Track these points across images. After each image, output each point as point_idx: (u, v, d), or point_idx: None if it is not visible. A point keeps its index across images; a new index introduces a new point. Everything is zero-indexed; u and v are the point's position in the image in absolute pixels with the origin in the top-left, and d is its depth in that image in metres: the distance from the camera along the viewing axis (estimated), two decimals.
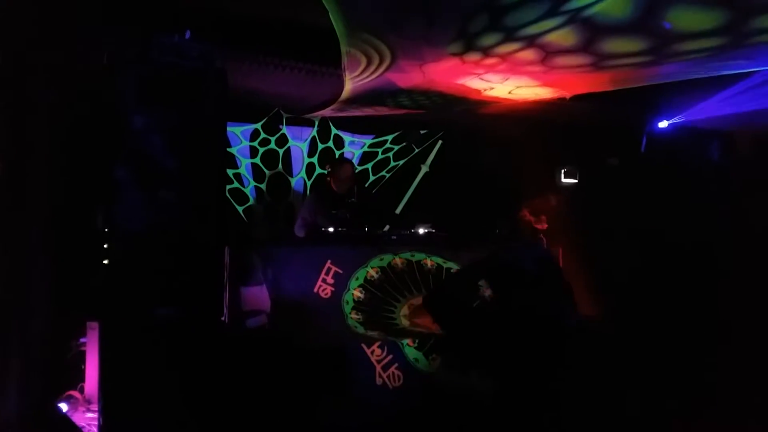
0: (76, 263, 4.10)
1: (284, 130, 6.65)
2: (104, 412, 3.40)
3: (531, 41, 3.50)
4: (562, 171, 6.70)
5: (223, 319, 3.93)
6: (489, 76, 4.21)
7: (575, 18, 3.19)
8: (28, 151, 3.28)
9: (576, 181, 6.45)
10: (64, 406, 4.13)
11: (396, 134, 7.08)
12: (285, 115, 6.54)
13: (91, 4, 3.17)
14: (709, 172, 4.99)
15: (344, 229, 4.92)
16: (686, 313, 4.94)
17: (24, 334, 3.45)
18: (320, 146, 6.85)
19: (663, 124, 5.29)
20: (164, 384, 3.41)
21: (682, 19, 3.15)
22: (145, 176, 3.35)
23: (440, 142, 7.24)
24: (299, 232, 5.37)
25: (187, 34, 3.23)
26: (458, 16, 3.02)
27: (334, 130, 6.86)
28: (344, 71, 3.99)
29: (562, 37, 3.43)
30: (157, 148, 3.30)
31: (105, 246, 3.65)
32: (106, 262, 3.63)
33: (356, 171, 5.72)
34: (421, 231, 5.38)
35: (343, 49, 3.50)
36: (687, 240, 5.14)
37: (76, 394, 4.30)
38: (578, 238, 5.71)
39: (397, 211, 7.11)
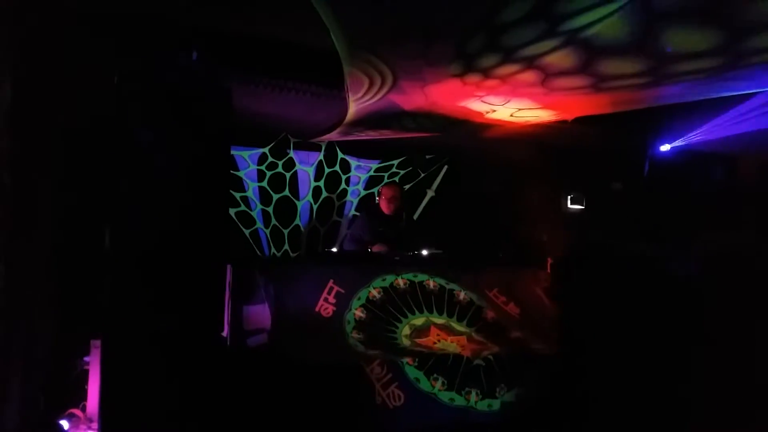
0: (80, 281, 4.14)
1: (291, 154, 6.74)
2: (104, 430, 3.40)
3: (530, 63, 3.56)
4: (568, 197, 6.73)
5: (224, 335, 3.93)
6: (490, 99, 4.27)
7: (572, 39, 3.24)
8: (33, 168, 3.35)
9: (582, 207, 6.48)
10: (65, 424, 4.13)
11: (402, 159, 7.15)
12: (292, 140, 6.64)
13: (98, 24, 3.27)
14: (711, 194, 4.98)
15: (392, 250, 5.08)
16: (688, 334, 4.89)
17: (26, 352, 3.47)
18: (327, 170, 6.93)
19: (665, 147, 5.31)
20: (164, 402, 3.41)
21: (678, 39, 3.20)
22: (148, 194, 3.40)
23: (446, 167, 7.29)
24: (348, 247, 5.54)
25: (194, 55, 3.31)
26: (456, 35, 3.08)
27: (340, 155, 6.95)
28: (347, 93, 4.05)
29: (561, 58, 3.48)
30: (161, 166, 3.34)
31: (109, 263, 3.68)
32: (109, 279, 3.66)
33: (404, 194, 5.86)
34: (425, 252, 5.41)
35: (345, 69, 3.57)
36: (689, 262, 5.11)
37: (77, 412, 4.30)
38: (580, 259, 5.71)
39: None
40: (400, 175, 7.19)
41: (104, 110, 3.30)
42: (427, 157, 7.20)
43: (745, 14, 2.93)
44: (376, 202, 5.71)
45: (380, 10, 2.72)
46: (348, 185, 7.04)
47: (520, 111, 4.57)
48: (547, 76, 3.76)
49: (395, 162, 7.16)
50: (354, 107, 4.42)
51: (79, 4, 3.13)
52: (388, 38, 3.02)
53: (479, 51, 3.32)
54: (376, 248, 5.29)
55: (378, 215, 5.63)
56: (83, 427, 4.22)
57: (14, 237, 3.20)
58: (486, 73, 3.72)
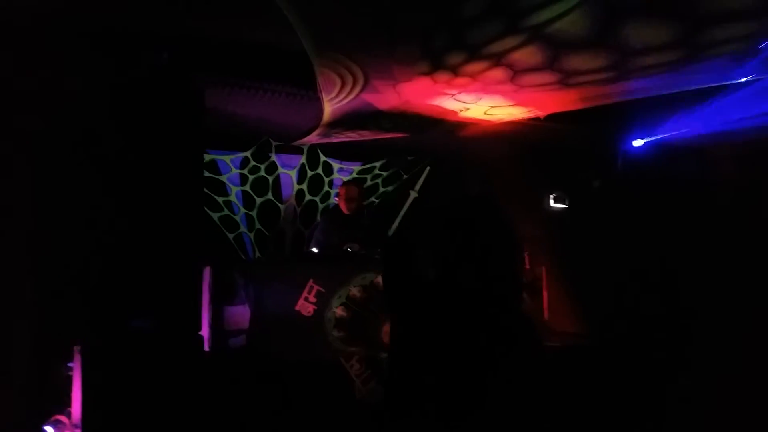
0: (60, 285, 4.17)
1: (273, 157, 6.78)
2: None
3: (497, 59, 3.61)
4: (551, 196, 6.79)
5: (200, 335, 3.98)
6: (462, 96, 4.33)
7: (536, 35, 3.31)
8: (10, 173, 3.39)
9: (566, 206, 6.54)
10: (50, 430, 4.14)
11: (384, 161, 7.20)
12: (274, 143, 6.69)
13: (70, 27, 3.31)
14: (685, 189, 5.06)
15: (358, 249, 5.10)
16: (669, 329, 4.96)
17: (9, 358, 3.50)
18: (309, 173, 6.98)
19: (638, 142, 5.38)
20: (145, 404, 3.45)
21: (638, 32, 3.27)
22: (122, 198, 3.45)
23: (428, 167, 7.35)
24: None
25: (165, 57, 3.36)
26: (418, 33, 3.14)
27: (322, 158, 6.99)
28: (321, 92, 4.11)
29: (527, 54, 3.53)
30: (133, 168, 3.40)
31: (86, 267, 3.72)
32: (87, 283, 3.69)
33: (363, 193, 5.88)
34: None
35: (316, 69, 3.63)
36: (667, 258, 5.19)
37: (63, 418, 4.32)
38: (561, 257, 5.78)
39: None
40: (383, 177, 7.25)
41: (75, 112, 3.35)
42: (409, 158, 7.26)
43: (702, 5, 3.00)
44: (335, 201, 5.69)
45: (343, 9, 2.78)
46: (331, 188, 7.08)
47: (493, 108, 4.64)
48: (516, 72, 3.82)
49: (377, 164, 7.21)
50: (329, 107, 4.47)
51: (48, 8, 3.17)
52: (353, 37, 3.08)
53: (444, 49, 3.39)
54: (349, 246, 5.30)
55: (339, 216, 5.64)
56: None
57: None
58: (455, 70, 3.77)
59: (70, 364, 4.45)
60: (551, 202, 6.80)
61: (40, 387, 4.12)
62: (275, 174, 6.84)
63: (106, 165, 3.40)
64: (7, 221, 3.45)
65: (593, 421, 4.03)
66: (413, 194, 7.37)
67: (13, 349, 3.64)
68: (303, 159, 6.93)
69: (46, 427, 4.12)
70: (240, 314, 4.58)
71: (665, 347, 4.81)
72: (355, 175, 7.16)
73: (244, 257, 6.51)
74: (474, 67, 3.71)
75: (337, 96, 4.14)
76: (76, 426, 4.27)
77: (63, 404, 4.36)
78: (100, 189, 3.43)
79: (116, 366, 3.47)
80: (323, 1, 2.79)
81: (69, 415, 4.34)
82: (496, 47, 3.39)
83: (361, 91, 4.05)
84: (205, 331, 4.29)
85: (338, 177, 7.10)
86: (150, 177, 3.42)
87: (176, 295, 3.59)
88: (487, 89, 4.13)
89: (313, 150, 6.89)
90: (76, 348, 4.33)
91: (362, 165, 7.20)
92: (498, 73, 3.83)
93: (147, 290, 3.55)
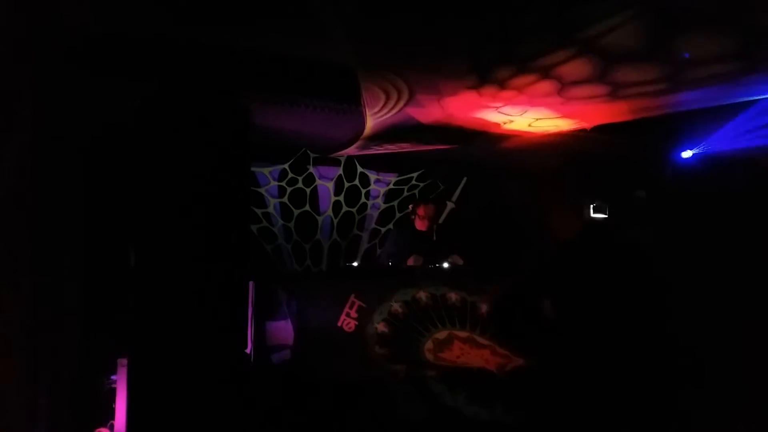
0: (107, 298, 4.20)
1: (311, 169, 6.79)
2: None
3: (546, 72, 3.56)
4: (591, 206, 6.67)
5: (248, 352, 3.96)
6: (507, 109, 4.27)
7: (588, 48, 3.24)
8: (61, 186, 3.42)
9: (606, 216, 6.41)
10: None
11: (421, 171, 7.15)
12: (312, 155, 6.69)
13: (115, 48, 3.34)
14: (734, 201, 4.90)
15: (429, 265, 5.16)
16: (720, 341, 4.81)
17: (53, 369, 3.53)
18: (346, 185, 6.96)
19: (687, 154, 5.25)
20: (191, 419, 3.44)
21: (694, 45, 3.18)
22: (171, 213, 3.46)
23: (465, 178, 7.28)
24: (384, 262, 5.65)
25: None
26: (468, 48, 3.09)
27: (359, 169, 6.97)
28: (364, 108, 4.09)
29: (577, 67, 3.48)
30: (183, 185, 3.40)
31: (133, 282, 3.73)
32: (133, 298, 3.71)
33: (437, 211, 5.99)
34: (446, 265, 5.40)
35: (362, 85, 3.60)
36: (714, 270, 5.04)
37: (105, 431, 4.35)
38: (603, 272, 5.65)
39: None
40: (420, 187, 7.19)
41: (127, 132, 3.37)
42: (446, 169, 7.19)
43: (760, 19, 2.91)
44: (411, 218, 5.79)
45: (392, 26, 2.74)
46: (368, 199, 7.06)
47: (538, 121, 4.57)
48: (564, 85, 3.76)
49: (414, 175, 7.16)
50: (371, 121, 4.45)
51: (96, 28, 3.20)
52: (402, 54, 3.05)
53: (493, 63, 3.34)
54: (410, 261, 5.32)
55: (411, 231, 5.73)
56: None
57: (40, 255, 3.27)
58: (502, 84, 3.73)
59: (113, 377, 4.49)
60: (591, 211, 6.69)
61: (84, 400, 4.16)
62: (313, 185, 6.84)
63: (154, 181, 3.41)
64: (55, 231, 3.47)
65: None
66: (450, 205, 7.31)
67: (62, 362, 3.66)
68: (340, 170, 6.92)
69: None
70: (282, 329, 4.55)
71: (709, 362, 4.67)
72: (392, 186, 7.13)
73: (283, 269, 6.50)
74: (522, 80, 3.66)
75: (380, 110, 4.12)
76: None
77: (105, 417, 4.41)
78: (149, 204, 3.44)
79: (162, 380, 3.46)
80: (376, 23, 2.75)
81: (111, 428, 4.38)
82: (547, 60, 3.33)
83: (405, 105, 4.02)
84: (249, 347, 4.28)
85: (375, 188, 7.07)
86: (199, 194, 3.41)
87: (224, 311, 3.57)
88: (533, 102, 4.07)
89: (350, 161, 6.87)
90: (120, 361, 4.37)
91: (399, 176, 7.16)
92: (546, 86, 3.78)
93: (194, 306, 3.53)
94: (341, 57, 3.23)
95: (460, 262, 5.39)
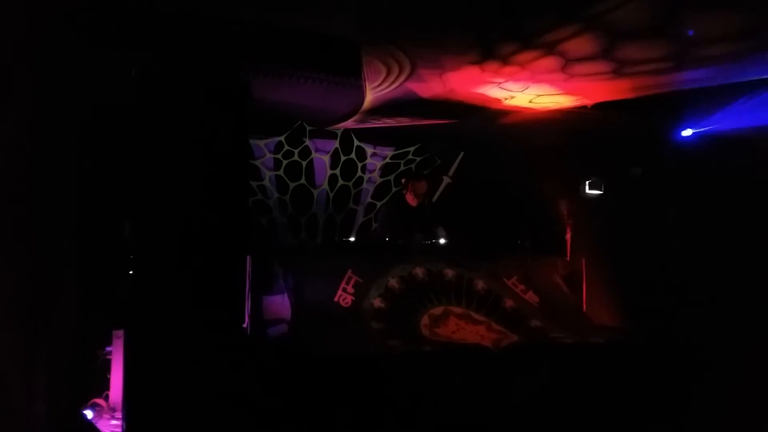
0: (101, 272, 4.18)
1: (307, 142, 6.72)
2: (128, 420, 3.44)
3: (550, 49, 3.51)
4: (587, 182, 6.66)
5: (245, 326, 3.96)
6: (509, 85, 4.22)
7: (593, 24, 3.19)
8: (56, 162, 3.36)
9: (601, 192, 6.40)
10: (89, 413, 4.18)
11: (418, 146, 7.10)
12: (308, 128, 6.61)
13: (114, 18, 3.26)
14: (733, 181, 4.90)
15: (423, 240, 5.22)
16: (713, 323, 4.84)
17: (50, 343, 3.51)
18: (342, 158, 6.90)
19: (687, 132, 5.23)
20: (187, 391, 3.44)
21: (703, 23, 3.14)
22: (169, 187, 3.41)
23: (462, 152, 7.24)
24: (380, 237, 5.65)
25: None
26: (474, 23, 3.03)
27: (356, 142, 6.90)
28: (365, 81, 4.03)
29: (581, 44, 3.43)
30: (181, 159, 3.35)
31: (130, 255, 3.71)
32: (130, 271, 3.69)
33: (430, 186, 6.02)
34: (441, 241, 5.40)
35: (363, 58, 3.54)
36: (712, 250, 5.05)
37: (101, 401, 4.36)
38: (602, 248, 5.67)
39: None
40: (417, 162, 7.14)
41: (123, 104, 3.30)
42: (443, 144, 7.14)
43: None
44: (403, 193, 5.77)
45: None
46: (364, 173, 7.01)
47: (540, 97, 4.53)
48: (568, 61, 3.71)
49: (411, 149, 7.10)
50: (371, 95, 4.39)
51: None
52: (406, 28, 2.99)
53: (498, 38, 3.28)
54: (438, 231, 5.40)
55: (403, 206, 5.72)
56: (107, 416, 4.27)
57: (35, 230, 3.23)
58: (505, 59, 3.68)
59: (108, 349, 4.49)
60: (586, 188, 6.68)
61: (80, 372, 4.16)
62: (309, 158, 6.77)
63: (151, 154, 3.35)
64: (51, 207, 3.43)
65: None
66: (446, 180, 7.27)
67: (54, 334, 3.64)
68: (337, 144, 6.85)
69: (84, 411, 4.16)
70: (278, 303, 4.55)
71: (704, 342, 4.70)
72: (388, 160, 7.08)
73: (278, 243, 6.47)
74: (525, 56, 3.61)
75: (381, 84, 4.06)
76: (113, 409, 4.32)
77: (100, 388, 4.42)
78: (145, 176, 3.39)
79: (158, 352, 3.45)
80: None
81: (107, 398, 4.39)
82: (552, 36, 3.28)
83: (406, 79, 3.96)
84: (246, 321, 4.27)
85: (371, 162, 7.02)
86: (197, 167, 3.36)
87: (222, 285, 3.55)
88: (536, 78, 4.03)
89: (346, 135, 6.80)
90: (115, 332, 4.36)
91: (395, 150, 7.11)
92: (549, 62, 3.73)
93: (192, 279, 3.51)
94: (344, 30, 3.16)
95: (444, 234, 5.38)
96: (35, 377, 3.29)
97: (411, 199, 5.69)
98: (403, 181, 6.01)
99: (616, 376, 4.23)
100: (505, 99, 4.58)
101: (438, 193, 7.23)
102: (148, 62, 3.15)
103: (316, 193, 6.84)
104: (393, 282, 4.74)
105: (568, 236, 5.84)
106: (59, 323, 3.67)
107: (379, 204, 7.03)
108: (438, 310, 4.74)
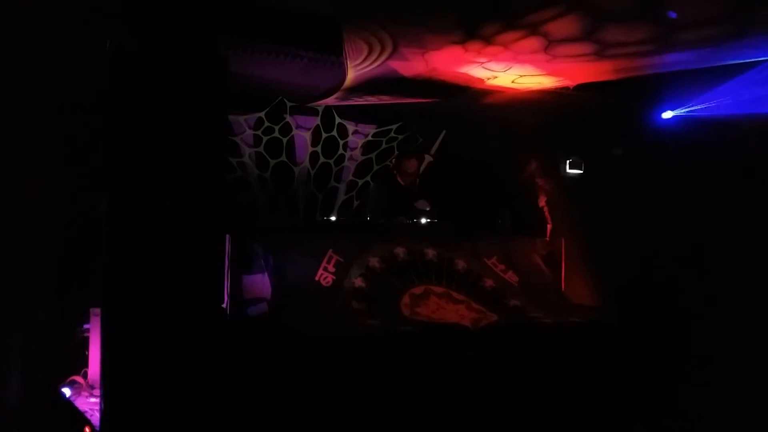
0: (77, 249, 4.12)
1: (288, 118, 6.64)
2: (106, 397, 3.43)
3: (533, 29, 3.50)
4: (567, 162, 6.68)
5: (223, 306, 3.95)
6: (492, 65, 4.20)
7: (577, 5, 3.18)
8: (27, 137, 3.29)
9: (581, 172, 6.43)
10: (67, 391, 4.17)
11: (400, 124, 7.06)
12: (289, 104, 6.52)
13: None
14: (713, 164, 4.94)
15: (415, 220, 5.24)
16: (689, 307, 4.92)
17: (26, 320, 3.47)
18: (324, 135, 6.83)
19: (667, 114, 5.25)
20: (166, 370, 3.43)
21: (683, 6, 3.14)
22: (144, 162, 3.36)
23: (444, 131, 7.21)
24: (374, 217, 5.65)
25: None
26: (457, 2, 3.00)
27: (338, 119, 6.84)
28: (346, 59, 3.98)
29: (565, 25, 3.42)
30: (156, 134, 3.30)
31: (105, 232, 3.66)
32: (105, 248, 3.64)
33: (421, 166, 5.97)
34: (423, 221, 5.40)
35: (344, 36, 3.49)
36: (690, 234, 5.11)
37: (79, 379, 4.34)
38: (581, 228, 5.71)
39: None
40: (399, 140, 7.11)
41: (97, 80, 3.23)
42: (426, 122, 7.10)
43: None
44: (393, 173, 5.75)
45: None
46: (345, 150, 6.96)
47: (522, 77, 4.51)
48: (551, 42, 3.69)
49: (393, 127, 7.06)
50: (352, 73, 4.34)
51: None
52: (389, 6, 2.94)
53: (481, 18, 3.25)
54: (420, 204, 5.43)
55: (393, 185, 5.74)
56: (85, 393, 4.26)
57: (9, 206, 3.18)
58: (488, 39, 3.65)
59: (85, 326, 4.46)
60: (567, 167, 6.71)
61: (57, 349, 4.12)
62: (289, 135, 6.70)
63: (126, 129, 3.29)
64: (28, 184, 3.37)
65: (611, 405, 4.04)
66: (428, 158, 7.26)
67: (31, 311, 3.60)
68: (318, 120, 6.78)
69: (63, 389, 4.14)
70: (258, 282, 4.53)
71: (684, 326, 4.78)
72: (370, 138, 7.03)
73: (258, 221, 6.43)
74: (509, 36, 3.58)
75: (362, 62, 4.02)
76: (91, 386, 4.31)
77: (79, 365, 4.39)
78: (121, 152, 3.33)
79: (136, 330, 3.43)
80: None
81: (85, 376, 4.37)
82: (536, 17, 3.26)
83: (388, 58, 3.92)
84: (225, 299, 4.26)
85: (353, 139, 6.97)
86: (172, 143, 3.31)
87: (199, 263, 3.52)
88: (518, 58, 4.01)
89: (328, 112, 6.73)
90: (93, 310, 4.33)
91: (377, 128, 7.06)
92: (532, 43, 3.71)
93: (169, 257, 3.48)
94: (324, 6, 3.10)
95: (427, 207, 5.39)
96: (10, 357, 3.27)
97: (400, 179, 5.69)
98: (393, 160, 5.98)
99: (594, 356, 4.29)
100: (488, 79, 4.56)
101: (419, 172, 7.22)
102: (123, 36, 3.07)
103: (297, 170, 6.78)
104: (374, 261, 4.74)
105: (548, 216, 5.87)
106: (34, 299, 3.62)
107: (360, 182, 7.01)
108: (419, 290, 4.76)
